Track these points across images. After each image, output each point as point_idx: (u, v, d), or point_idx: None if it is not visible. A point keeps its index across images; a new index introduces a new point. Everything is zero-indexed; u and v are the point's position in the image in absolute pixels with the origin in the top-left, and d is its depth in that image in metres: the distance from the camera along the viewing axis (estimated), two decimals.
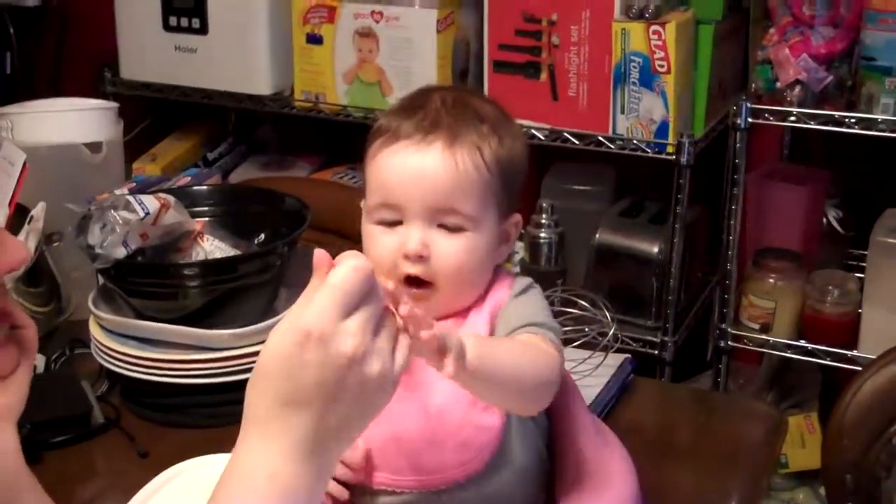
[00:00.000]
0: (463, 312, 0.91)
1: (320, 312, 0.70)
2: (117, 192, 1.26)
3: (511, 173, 0.89)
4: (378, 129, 0.90)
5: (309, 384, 0.69)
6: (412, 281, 0.87)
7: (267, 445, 0.70)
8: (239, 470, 0.70)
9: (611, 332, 1.28)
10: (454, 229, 0.86)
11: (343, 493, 0.89)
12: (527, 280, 0.93)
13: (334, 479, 0.88)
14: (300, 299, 0.72)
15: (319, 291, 0.71)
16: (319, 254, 0.73)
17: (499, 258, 0.91)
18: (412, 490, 0.88)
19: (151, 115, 2.26)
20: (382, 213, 0.88)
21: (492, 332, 0.89)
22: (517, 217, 0.92)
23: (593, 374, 1.25)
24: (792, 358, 1.83)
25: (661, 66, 1.67)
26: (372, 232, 0.89)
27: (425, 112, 0.88)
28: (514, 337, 0.87)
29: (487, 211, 0.87)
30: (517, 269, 1.83)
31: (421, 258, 0.86)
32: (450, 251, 0.86)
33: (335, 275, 0.71)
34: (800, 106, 1.67)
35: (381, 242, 0.88)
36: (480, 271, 0.89)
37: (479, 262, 0.88)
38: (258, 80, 1.97)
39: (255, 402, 0.71)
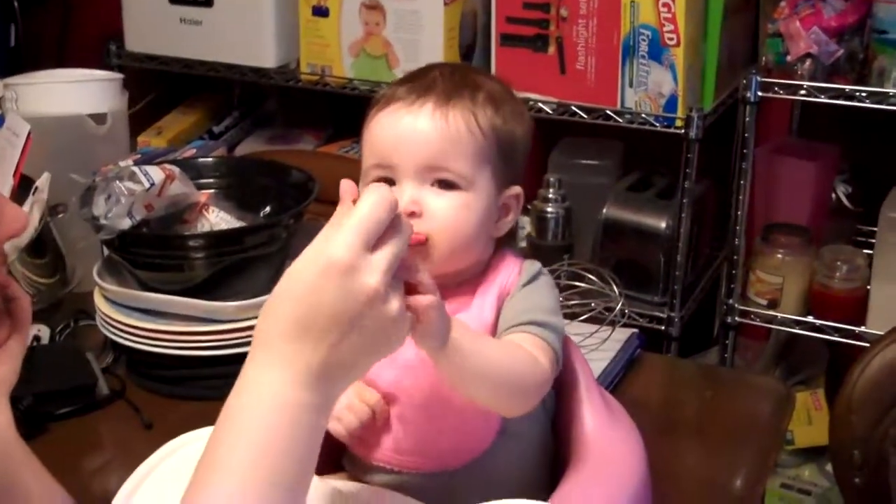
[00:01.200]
0: (468, 292, 0.89)
1: (347, 243, 0.69)
2: (122, 163, 1.26)
3: (509, 145, 0.88)
4: (376, 99, 0.90)
5: (327, 313, 0.69)
6: None
7: (275, 370, 0.69)
8: (245, 395, 0.70)
9: (618, 307, 1.28)
10: (447, 187, 0.86)
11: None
12: (536, 267, 0.91)
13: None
14: (325, 228, 0.71)
15: (346, 221, 0.70)
16: (346, 183, 0.73)
17: (499, 231, 0.90)
18: (410, 471, 0.88)
19: (157, 88, 2.24)
20: (376, 173, 0.87)
21: (497, 319, 0.88)
22: (517, 189, 0.90)
23: (600, 348, 1.24)
24: (799, 334, 1.82)
25: (671, 39, 1.65)
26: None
27: (423, 80, 0.88)
28: (508, 336, 0.86)
29: (481, 172, 0.87)
30: (524, 244, 1.82)
31: (413, 214, 0.84)
32: (441, 206, 0.85)
33: (363, 205, 0.71)
34: (810, 79, 1.66)
35: None
36: (476, 233, 0.87)
37: (473, 222, 0.87)
38: (264, 53, 1.96)
39: (269, 326, 0.71)
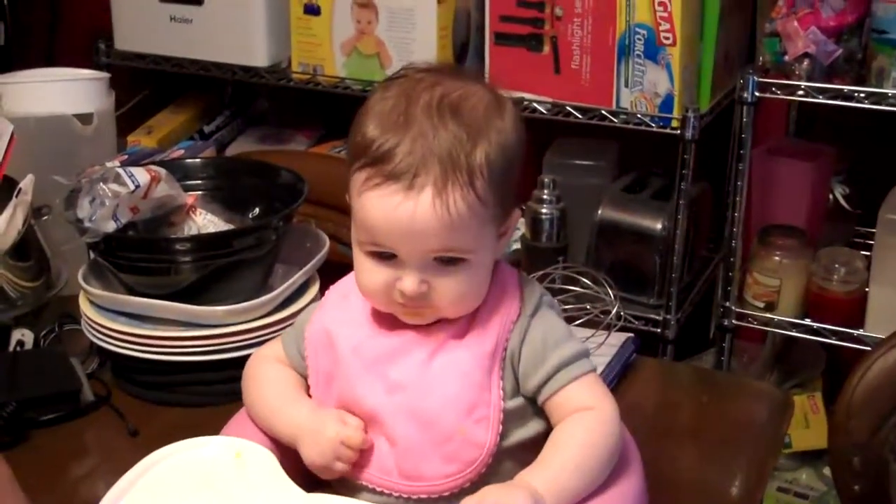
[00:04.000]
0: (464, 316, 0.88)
1: None
2: (108, 164, 1.23)
3: (506, 174, 0.84)
4: (361, 147, 0.83)
5: None
6: None
7: None
8: None
9: (614, 311, 1.26)
10: (452, 263, 0.83)
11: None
12: (535, 289, 0.90)
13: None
14: None
15: None
16: None
17: (498, 254, 0.88)
18: (397, 494, 0.86)
19: (147, 87, 2.22)
20: (374, 248, 0.84)
21: (495, 348, 0.86)
22: (515, 214, 0.88)
23: (595, 353, 1.22)
24: (796, 337, 1.81)
25: (667, 39, 1.64)
26: (363, 261, 0.86)
27: (412, 136, 0.81)
28: (557, 404, 0.86)
29: (486, 235, 0.84)
30: (517, 246, 1.80)
31: (423, 295, 0.84)
32: (450, 285, 0.84)
33: None
34: (808, 80, 1.64)
35: (375, 274, 0.85)
36: (482, 290, 0.87)
37: (479, 286, 0.86)
38: (255, 52, 1.94)
39: None
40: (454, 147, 0.81)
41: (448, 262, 0.83)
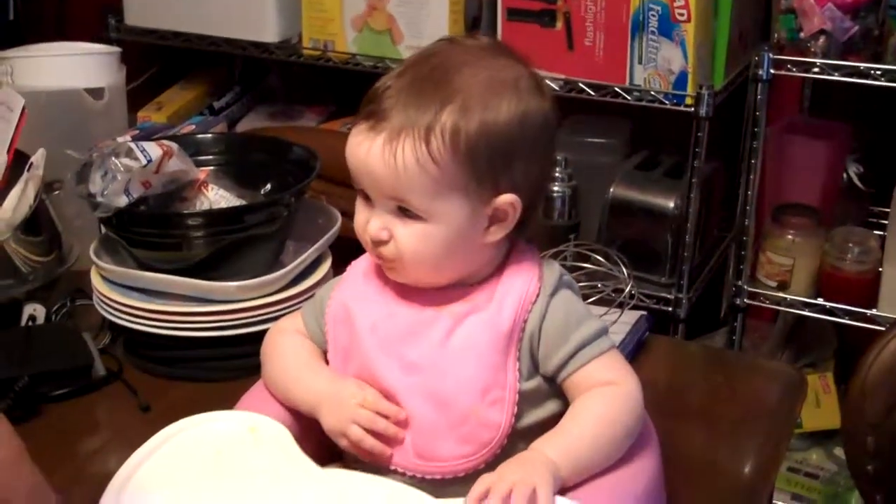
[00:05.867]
0: (484, 291, 0.87)
1: None
2: (119, 139, 1.22)
3: (489, 152, 0.83)
4: (367, 95, 0.87)
5: None
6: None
7: None
8: None
9: (628, 289, 1.25)
10: (411, 216, 0.84)
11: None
12: (555, 273, 0.89)
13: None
14: None
15: None
16: None
17: (490, 238, 0.87)
18: (412, 473, 0.86)
19: (157, 62, 2.21)
20: (358, 185, 0.87)
21: (513, 327, 0.86)
22: (509, 197, 0.85)
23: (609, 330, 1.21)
24: (808, 316, 1.80)
25: (681, 15, 1.62)
26: (357, 202, 0.88)
27: (399, 87, 0.84)
28: (578, 380, 0.86)
29: (445, 203, 0.83)
30: None
31: (381, 242, 0.85)
32: (405, 238, 0.85)
33: None
34: (824, 57, 1.62)
35: (359, 213, 0.88)
36: (444, 256, 0.86)
37: (441, 251, 0.85)
38: (265, 28, 1.92)
39: None
40: (424, 105, 0.82)
41: (408, 213, 0.84)
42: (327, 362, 0.93)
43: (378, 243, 0.86)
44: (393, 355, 0.87)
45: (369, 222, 0.86)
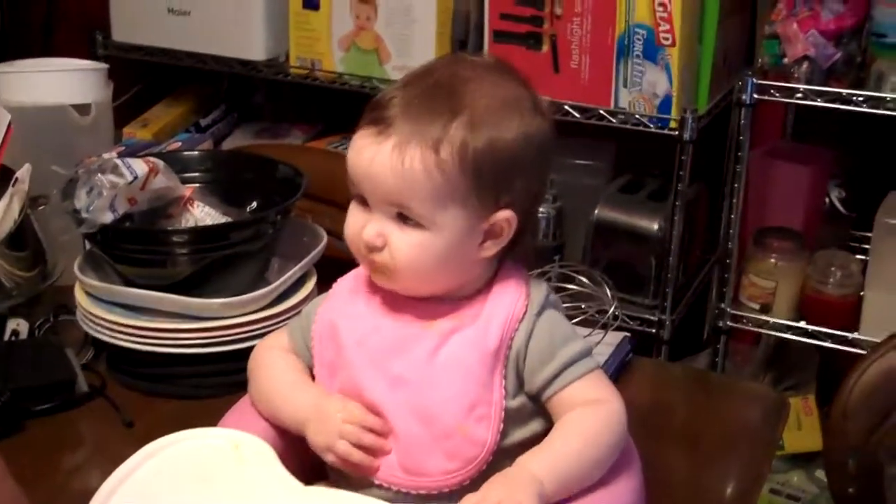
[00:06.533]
0: (470, 308, 0.88)
1: None
2: (105, 155, 1.22)
3: (494, 168, 0.84)
4: (370, 102, 0.88)
5: None
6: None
7: None
8: None
9: (611, 310, 1.26)
10: (410, 223, 0.85)
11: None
12: (542, 288, 0.90)
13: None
14: None
15: None
16: None
17: (484, 254, 0.87)
18: (397, 488, 0.86)
19: (144, 79, 2.21)
20: (355, 191, 0.87)
21: (499, 346, 0.86)
22: (506, 214, 0.86)
23: (592, 351, 1.22)
24: (790, 339, 1.81)
25: (666, 39, 1.63)
26: (351, 205, 0.89)
27: (409, 96, 0.85)
28: (563, 398, 0.86)
29: (444, 212, 0.84)
30: None
31: (377, 247, 0.86)
32: (402, 246, 0.85)
33: None
34: (807, 83, 1.64)
35: (353, 218, 0.88)
36: (439, 268, 0.86)
37: (436, 261, 0.85)
38: (253, 46, 1.93)
39: None
40: (435, 115, 0.83)
41: (407, 220, 0.85)
42: (314, 378, 0.93)
43: (372, 249, 0.86)
44: (379, 369, 0.88)
45: (365, 227, 0.86)
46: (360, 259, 0.89)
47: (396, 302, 0.89)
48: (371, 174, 0.84)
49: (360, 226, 0.87)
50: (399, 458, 0.86)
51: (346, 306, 0.92)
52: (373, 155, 0.84)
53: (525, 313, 0.87)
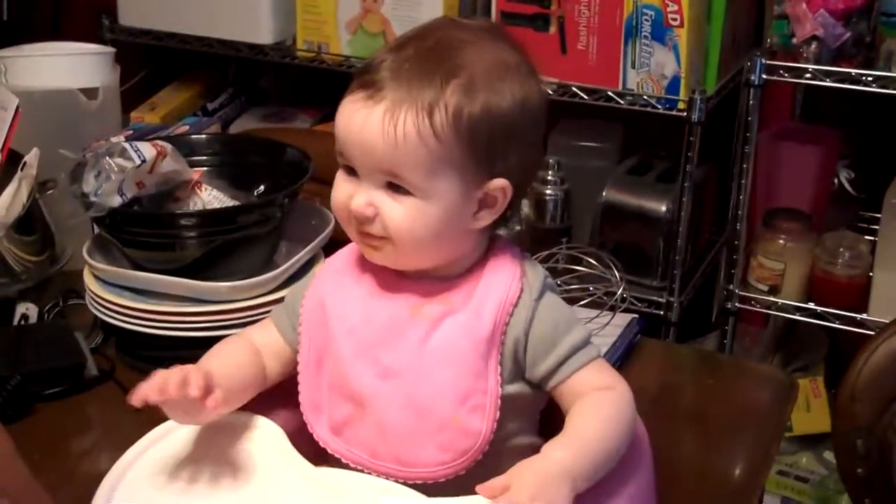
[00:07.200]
0: (462, 289, 0.85)
1: None
2: (113, 139, 1.23)
3: (489, 134, 0.81)
4: (361, 67, 0.84)
5: None
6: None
7: None
8: None
9: (619, 292, 1.26)
10: (402, 192, 0.81)
11: None
12: (539, 271, 0.87)
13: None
14: None
15: None
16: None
17: (477, 224, 0.85)
18: (393, 479, 0.84)
19: (151, 63, 2.21)
20: (342, 161, 0.84)
21: (493, 330, 0.84)
22: (501, 182, 0.83)
23: (600, 333, 1.22)
24: (798, 320, 1.81)
25: (674, 20, 1.63)
26: (338, 175, 0.85)
27: (401, 58, 0.81)
28: (572, 386, 0.84)
29: (438, 179, 0.81)
30: (518, 228, 1.79)
31: (367, 217, 0.82)
32: (394, 214, 0.82)
33: None
34: (816, 63, 1.63)
35: (340, 187, 0.84)
36: (436, 236, 0.83)
37: (430, 230, 0.82)
38: (260, 29, 1.92)
39: None
40: (428, 78, 0.80)
41: (397, 189, 0.81)
42: (293, 366, 0.91)
43: (363, 221, 0.83)
44: (369, 359, 0.85)
45: (353, 197, 0.82)
46: (350, 233, 0.86)
47: (387, 281, 0.87)
48: (361, 140, 0.80)
49: (347, 195, 0.83)
50: (392, 450, 0.84)
51: (336, 289, 0.89)
52: (363, 120, 0.80)
53: (520, 297, 0.85)
